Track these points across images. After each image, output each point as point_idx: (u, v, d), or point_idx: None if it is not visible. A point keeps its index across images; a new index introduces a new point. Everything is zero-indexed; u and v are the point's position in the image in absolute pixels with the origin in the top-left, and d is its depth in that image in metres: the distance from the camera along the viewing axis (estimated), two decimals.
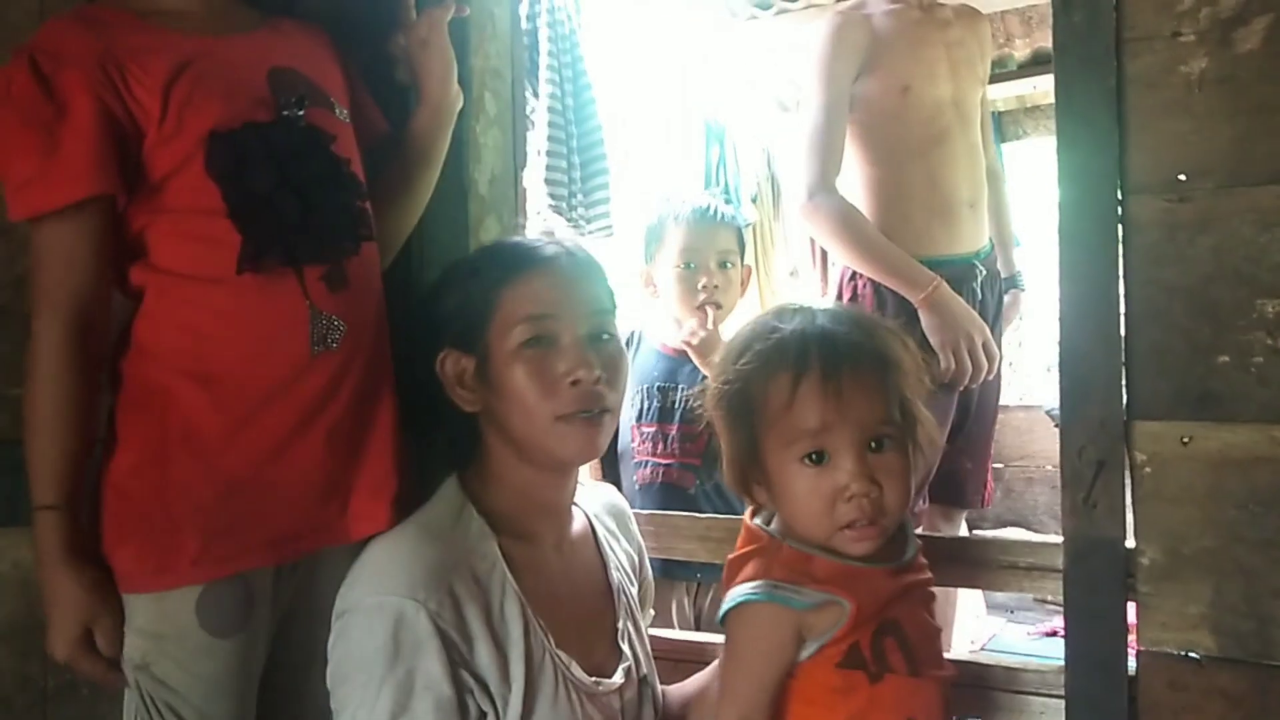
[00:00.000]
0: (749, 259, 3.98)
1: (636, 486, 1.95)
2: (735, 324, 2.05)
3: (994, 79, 3.93)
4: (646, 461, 1.97)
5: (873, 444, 1.02)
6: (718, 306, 1.96)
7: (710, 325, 1.94)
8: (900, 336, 1.10)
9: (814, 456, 1.02)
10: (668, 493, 1.95)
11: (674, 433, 1.97)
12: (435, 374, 1.14)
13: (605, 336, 1.16)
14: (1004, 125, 4.86)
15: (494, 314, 1.11)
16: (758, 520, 1.12)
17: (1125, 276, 1.11)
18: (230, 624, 1.05)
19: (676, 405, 1.97)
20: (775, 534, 1.09)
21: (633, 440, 2.00)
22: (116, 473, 1.05)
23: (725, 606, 1.06)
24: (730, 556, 1.12)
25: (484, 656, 1.05)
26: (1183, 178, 1.10)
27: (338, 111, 1.16)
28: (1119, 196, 1.11)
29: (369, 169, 1.20)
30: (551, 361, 1.11)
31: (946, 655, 1.14)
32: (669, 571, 1.92)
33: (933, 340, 1.92)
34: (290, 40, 1.17)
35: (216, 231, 1.04)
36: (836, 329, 1.05)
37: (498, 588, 1.08)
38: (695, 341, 1.93)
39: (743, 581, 1.05)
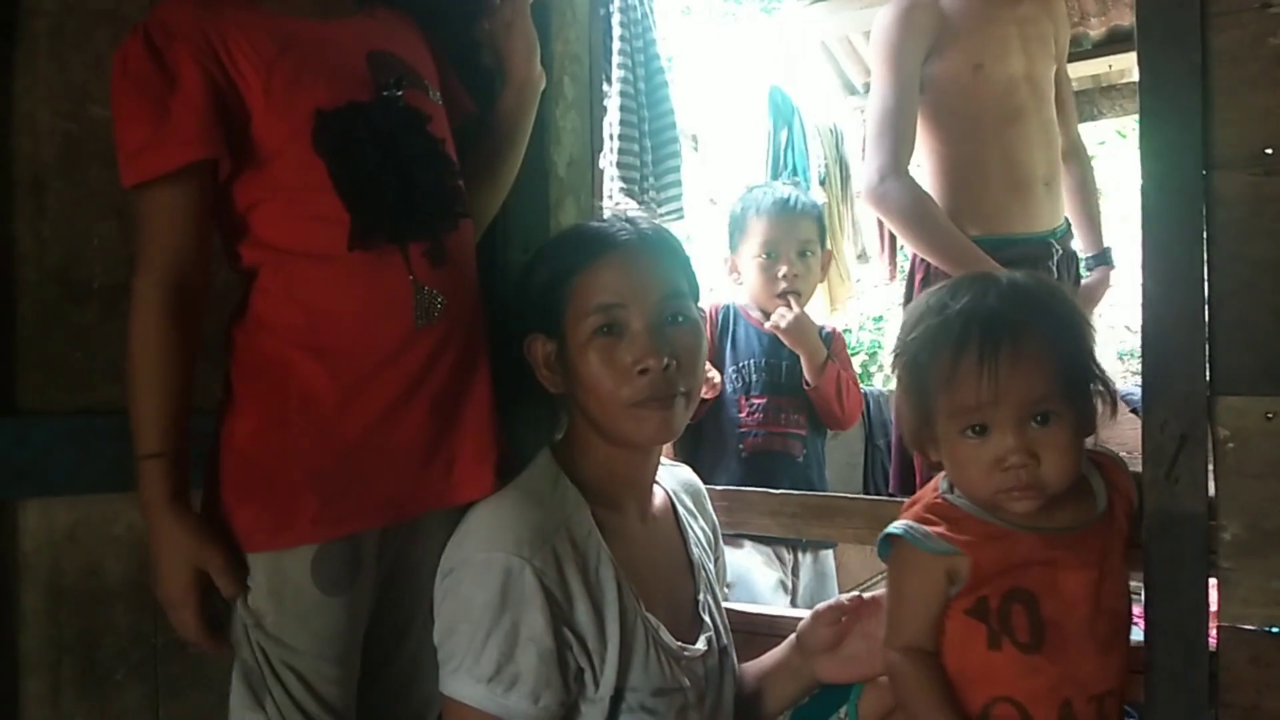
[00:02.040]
0: None
1: (743, 454, 2.03)
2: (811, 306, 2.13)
3: (1071, 58, 3.88)
4: (757, 431, 2.04)
5: (1036, 418, 1.05)
6: (797, 294, 2.04)
7: (795, 309, 2.01)
8: (1078, 307, 1.13)
9: (976, 429, 1.06)
10: (778, 460, 2.04)
11: (784, 403, 2.05)
12: (524, 355, 1.18)
13: (679, 319, 1.17)
14: (1079, 104, 4.75)
15: (569, 301, 1.14)
16: (942, 476, 1.17)
17: (1209, 251, 1.11)
18: (341, 583, 1.10)
19: (784, 378, 2.06)
20: (945, 490, 1.14)
21: (740, 411, 2.07)
22: (237, 437, 1.10)
23: (879, 539, 1.13)
24: (905, 504, 1.20)
25: (583, 615, 1.09)
26: (1270, 151, 1.08)
27: (431, 93, 1.20)
28: (1203, 171, 1.11)
29: (458, 150, 1.24)
30: (622, 350, 1.13)
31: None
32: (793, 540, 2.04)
33: None
34: (386, 25, 1.21)
35: (325, 209, 1.09)
36: (1003, 307, 1.06)
37: (593, 552, 1.13)
38: (783, 325, 2.01)
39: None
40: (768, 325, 2.04)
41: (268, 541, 1.08)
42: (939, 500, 1.13)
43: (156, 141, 1.03)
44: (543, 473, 1.18)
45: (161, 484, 1.04)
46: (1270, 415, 1.08)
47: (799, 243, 2.07)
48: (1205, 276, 1.11)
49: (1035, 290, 1.11)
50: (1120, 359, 6.34)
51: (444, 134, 1.20)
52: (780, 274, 2.04)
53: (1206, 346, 1.10)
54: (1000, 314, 1.06)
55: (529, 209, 1.45)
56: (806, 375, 2.05)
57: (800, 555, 2.10)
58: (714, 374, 2.03)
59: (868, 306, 8.01)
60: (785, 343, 2.03)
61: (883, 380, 7.91)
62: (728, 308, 2.13)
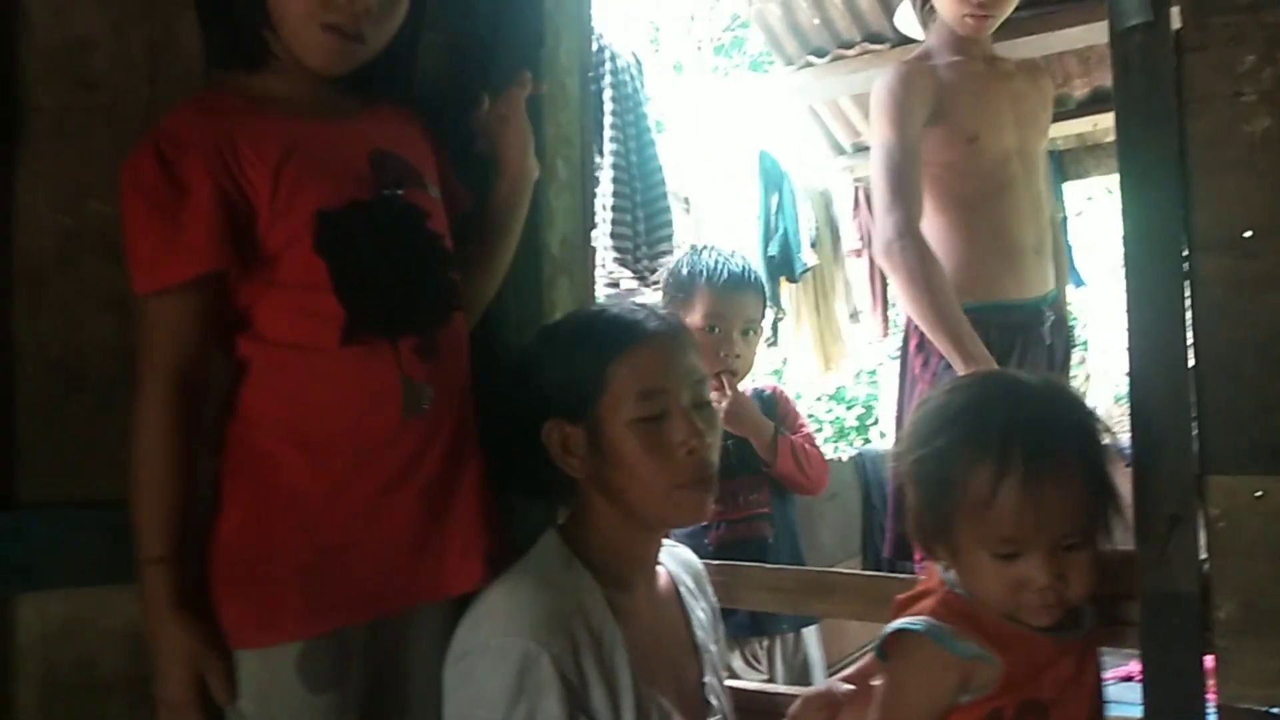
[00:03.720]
0: (810, 305, 4.01)
1: (710, 549, 1.92)
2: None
3: (1054, 118, 3.95)
4: (719, 523, 1.97)
5: (1066, 544, 1.02)
6: (732, 374, 1.98)
7: (729, 393, 1.94)
8: (1098, 418, 1.08)
9: (1005, 554, 1.02)
10: (748, 547, 1.96)
11: (739, 486, 1.99)
12: (540, 443, 1.19)
13: (705, 401, 1.21)
14: (1065, 164, 4.83)
15: (604, 388, 1.16)
16: (939, 567, 1.12)
17: (1194, 333, 1.12)
18: (328, 680, 1.10)
19: (734, 459, 1.98)
20: (951, 583, 1.09)
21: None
22: (223, 533, 1.10)
23: (884, 633, 1.08)
24: (900, 596, 1.14)
25: (598, 700, 1.09)
26: (1248, 235, 1.11)
27: (430, 189, 1.22)
28: (1184, 254, 1.13)
29: (455, 238, 1.26)
30: (665, 433, 1.15)
31: None
32: (758, 626, 1.96)
33: None
34: (388, 123, 1.23)
35: (321, 305, 1.10)
36: (1043, 418, 1.03)
37: (608, 636, 1.13)
38: (720, 414, 1.93)
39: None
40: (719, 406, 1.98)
41: (253, 639, 1.08)
42: (955, 597, 1.08)
43: (168, 253, 1.05)
44: (554, 555, 1.18)
45: (164, 588, 1.05)
46: (1260, 494, 1.09)
47: (744, 320, 2.00)
48: (1190, 358, 1.13)
49: (1066, 401, 1.08)
50: (1117, 402, 6.36)
51: (442, 229, 1.22)
52: (721, 353, 1.95)
53: (1195, 426, 1.12)
54: (1042, 432, 1.01)
55: (522, 289, 1.46)
56: (762, 457, 1.99)
57: (777, 643, 2.03)
58: None
59: (862, 361, 8.04)
60: (727, 429, 1.98)
61: (877, 437, 7.93)
62: None
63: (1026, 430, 1.00)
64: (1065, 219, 4.82)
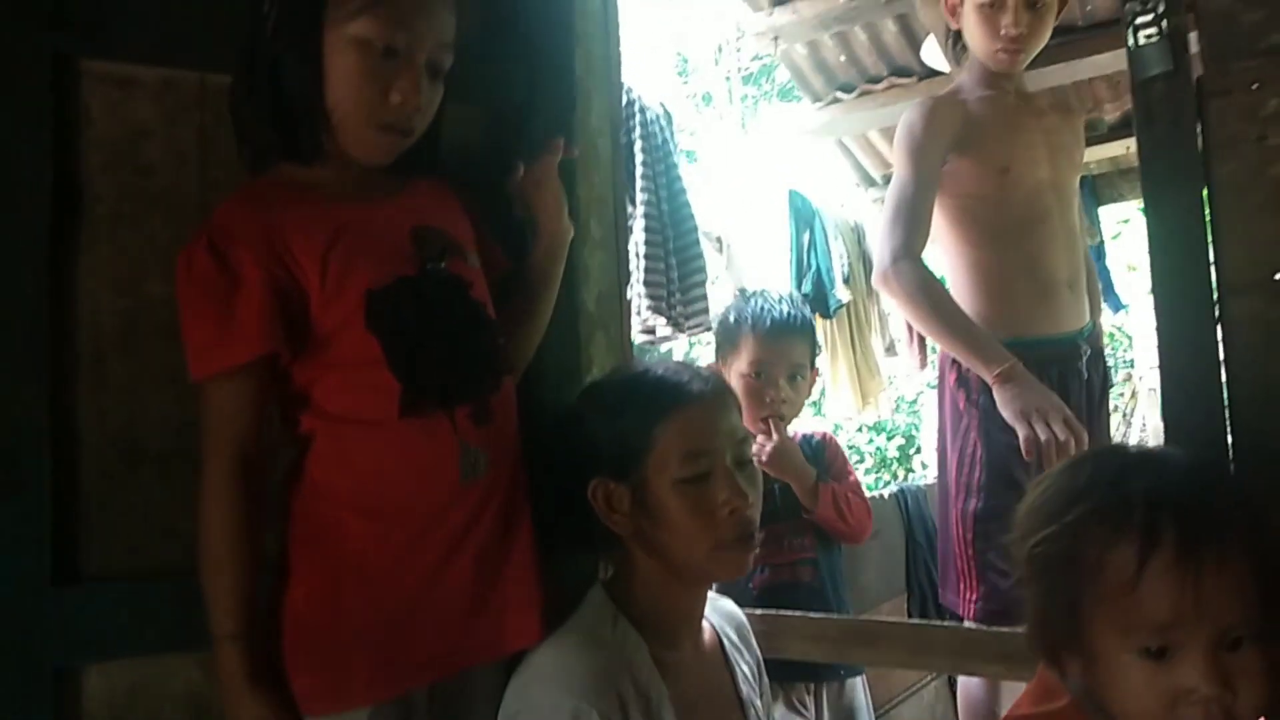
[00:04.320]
0: (845, 341, 4.00)
1: (754, 594, 1.95)
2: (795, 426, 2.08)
3: (1088, 142, 3.95)
4: (763, 567, 1.97)
5: (1232, 642, 0.85)
6: (781, 418, 2.00)
7: (775, 437, 1.96)
8: (1257, 496, 0.93)
9: (1154, 650, 0.85)
10: (790, 590, 1.97)
11: (783, 530, 1.99)
12: (585, 499, 1.22)
13: (748, 461, 1.24)
14: (1099, 188, 4.82)
15: (650, 448, 1.19)
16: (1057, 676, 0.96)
17: (1227, 374, 1.13)
18: None
19: (779, 504, 1.99)
20: (1078, 693, 0.94)
21: None
22: (294, 603, 1.14)
23: None
24: (1015, 713, 1.00)
25: None
26: (1279, 277, 1.12)
27: (470, 259, 1.27)
28: (1215, 297, 1.14)
29: (495, 301, 1.30)
30: (710, 493, 1.18)
31: None
32: (805, 671, 1.94)
33: (1007, 414, 1.88)
34: (426, 198, 1.28)
35: (379, 380, 1.14)
36: (1197, 494, 0.88)
37: (655, 693, 1.15)
38: (764, 458, 1.94)
39: None
40: (760, 460, 1.97)
41: (325, 706, 1.11)
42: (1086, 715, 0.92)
43: (222, 339, 1.09)
44: (600, 613, 1.21)
45: (239, 663, 1.08)
46: None
47: (790, 366, 2.02)
48: (1224, 397, 1.13)
49: (1223, 476, 0.97)
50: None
51: (484, 298, 1.26)
52: (768, 398, 1.99)
53: (1230, 466, 1.12)
54: (1197, 502, 0.86)
55: (560, 346, 1.49)
56: (804, 504, 2.00)
57: (824, 688, 2.00)
58: None
59: (901, 392, 8.01)
60: (766, 471, 1.99)
61: (919, 466, 7.86)
62: None
63: (1177, 499, 0.86)
64: (1102, 243, 4.79)
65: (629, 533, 1.22)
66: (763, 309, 2.04)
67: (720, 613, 1.38)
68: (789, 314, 2.05)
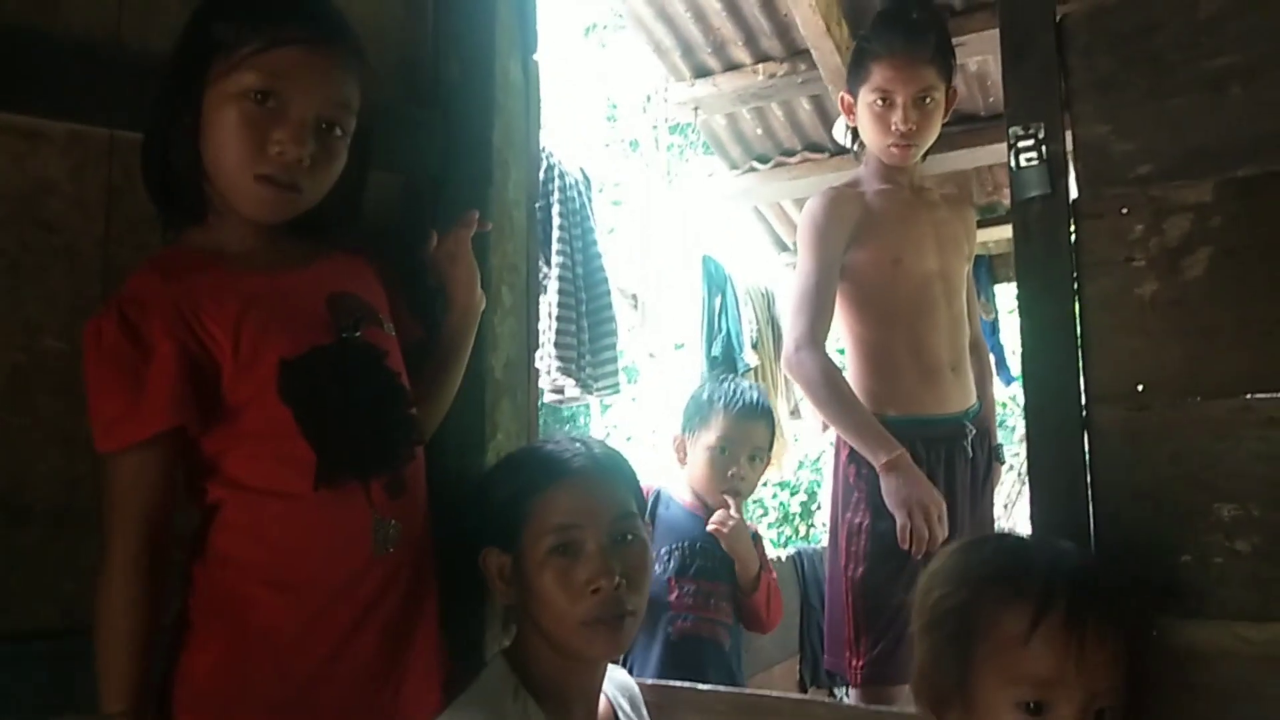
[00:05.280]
0: None
1: (672, 638, 2.05)
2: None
3: (986, 223, 4.14)
4: (688, 615, 2.07)
5: (1096, 712, 0.93)
6: (737, 494, 2.14)
7: (734, 513, 2.09)
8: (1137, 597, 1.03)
9: (1031, 706, 0.92)
10: (706, 647, 2.07)
11: (716, 590, 2.10)
12: (479, 567, 1.25)
13: (629, 538, 1.25)
14: (995, 266, 5.04)
15: (527, 520, 1.22)
16: None
17: (1092, 480, 1.21)
18: None
19: (719, 564, 2.11)
20: None
21: (670, 594, 2.10)
22: (194, 674, 1.11)
23: None
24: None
25: None
26: (1140, 389, 1.20)
27: (385, 327, 1.27)
28: (1083, 406, 1.21)
29: (408, 369, 1.30)
30: (576, 569, 1.20)
31: None
32: None
33: (890, 501, 1.98)
34: (341, 266, 1.28)
35: (292, 451, 1.13)
36: (1086, 573, 0.97)
37: None
38: (725, 530, 2.08)
39: None
40: (710, 526, 2.10)
41: None
42: None
43: (131, 412, 1.08)
44: (501, 683, 1.21)
45: None
46: (1155, 633, 1.16)
47: (753, 447, 2.18)
48: (1089, 502, 1.21)
49: (1108, 566, 1.06)
50: None
51: (399, 366, 1.26)
52: (730, 473, 2.13)
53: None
54: (1089, 581, 0.96)
55: (465, 413, 1.50)
56: (740, 584, 2.12)
57: None
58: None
59: (806, 449, 8.14)
60: (722, 544, 2.09)
61: (820, 525, 7.99)
62: (657, 492, 2.20)
63: (1071, 572, 0.96)
64: (997, 318, 5.00)
65: (512, 603, 1.25)
66: (736, 392, 2.21)
67: (615, 683, 1.39)
68: (758, 400, 2.22)
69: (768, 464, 2.28)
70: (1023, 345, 1.25)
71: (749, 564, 2.11)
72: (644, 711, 1.43)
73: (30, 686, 1.17)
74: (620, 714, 1.36)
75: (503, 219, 1.59)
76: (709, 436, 2.17)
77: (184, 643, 1.13)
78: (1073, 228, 1.24)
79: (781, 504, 8.78)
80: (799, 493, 8.77)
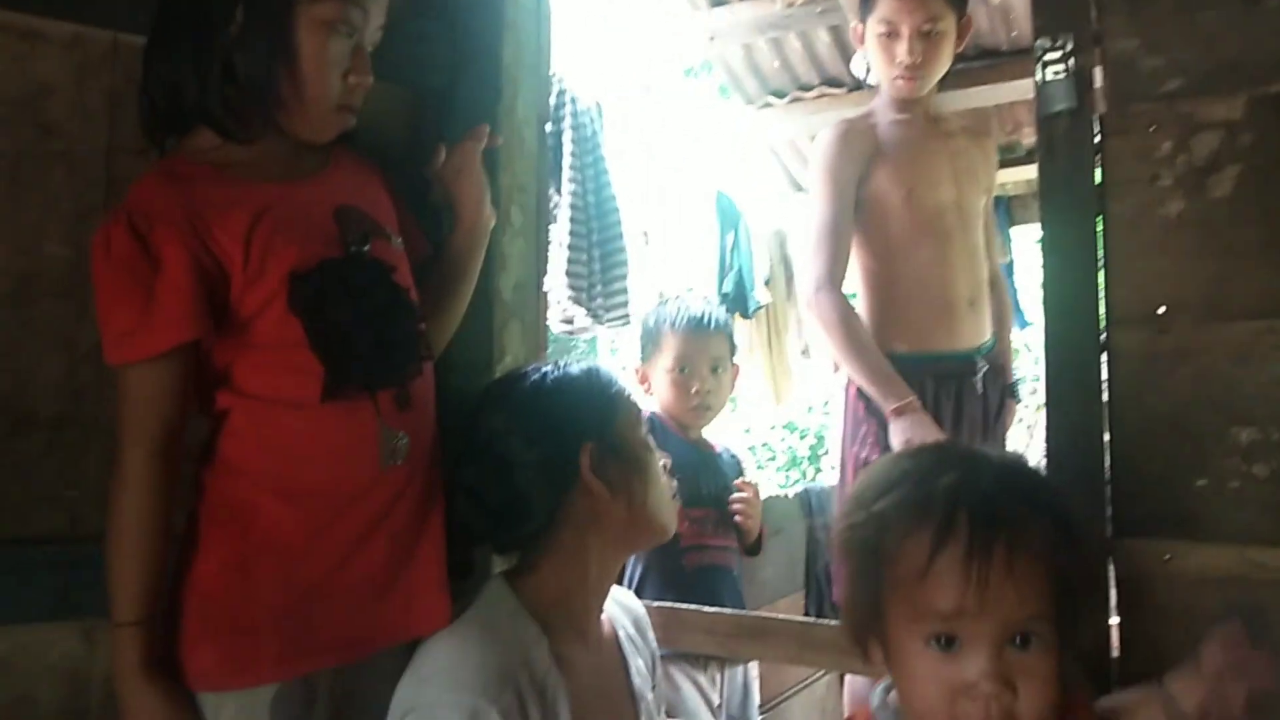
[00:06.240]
0: (763, 340, 4.06)
1: (687, 570, 2.02)
2: (721, 422, 2.20)
3: (1005, 164, 4.06)
4: (702, 545, 2.06)
5: (1017, 639, 0.85)
6: (708, 409, 2.12)
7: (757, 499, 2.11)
8: (1072, 505, 0.93)
9: (942, 641, 0.86)
10: (719, 575, 2.06)
11: (719, 516, 2.09)
12: (546, 479, 1.22)
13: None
14: (1014, 209, 4.96)
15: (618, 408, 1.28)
16: (877, 691, 0.99)
17: (1109, 403, 1.19)
18: None
19: (720, 491, 2.10)
20: (878, 695, 0.97)
21: (679, 525, 2.08)
22: (201, 579, 1.11)
23: None
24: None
25: None
26: (1162, 311, 1.18)
27: (394, 241, 1.25)
28: (1102, 329, 1.19)
29: (416, 285, 1.28)
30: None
31: None
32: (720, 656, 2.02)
33: (896, 446, 1.97)
34: (350, 177, 1.26)
35: (301, 362, 1.12)
36: (998, 494, 0.87)
37: (551, 688, 1.15)
38: (751, 515, 2.10)
39: None
40: (737, 517, 2.10)
41: (228, 682, 1.09)
42: None
43: (143, 325, 1.06)
44: (500, 606, 1.21)
45: (136, 651, 1.06)
46: (1168, 557, 1.15)
47: (711, 359, 2.13)
48: (1106, 425, 1.19)
49: (1033, 480, 0.94)
50: None
51: (407, 281, 1.25)
52: (694, 389, 2.10)
53: (1109, 491, 1.18)
54: (997, 503, 0.86)
55: (473, 334, 1.48)
56: (745, 545, 2.13)
57: (725, 669, 2.09)
58: None
59: (813, 394, 8.14)
60: (742, 527, 2.10)
61: (828, 467, 8.01)
62: (650, 418, 2.16)
63: (978, 496, 0.87)
64: (1012, 263, 4.94)
65: (611, 494, 1.23)
66: (679, 309, 2.16)
67: (619, 604, 1.39)
68: (704, 312, 2.16)
69: (735, 372, 2.23)
70: (1044, 266, 1.22)
71: (752, 532, 2.12)
72: (649, 634, 1.43)
73: (36, 591, 1.18)
74: (622, 635, 1.35)
75: (512, 137, 1.56)
76: (666, 359, 2.13)
77: (191, 546, 1.13)
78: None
79: (790, 448, 8.81)
80: (807, 436, 8.79)
